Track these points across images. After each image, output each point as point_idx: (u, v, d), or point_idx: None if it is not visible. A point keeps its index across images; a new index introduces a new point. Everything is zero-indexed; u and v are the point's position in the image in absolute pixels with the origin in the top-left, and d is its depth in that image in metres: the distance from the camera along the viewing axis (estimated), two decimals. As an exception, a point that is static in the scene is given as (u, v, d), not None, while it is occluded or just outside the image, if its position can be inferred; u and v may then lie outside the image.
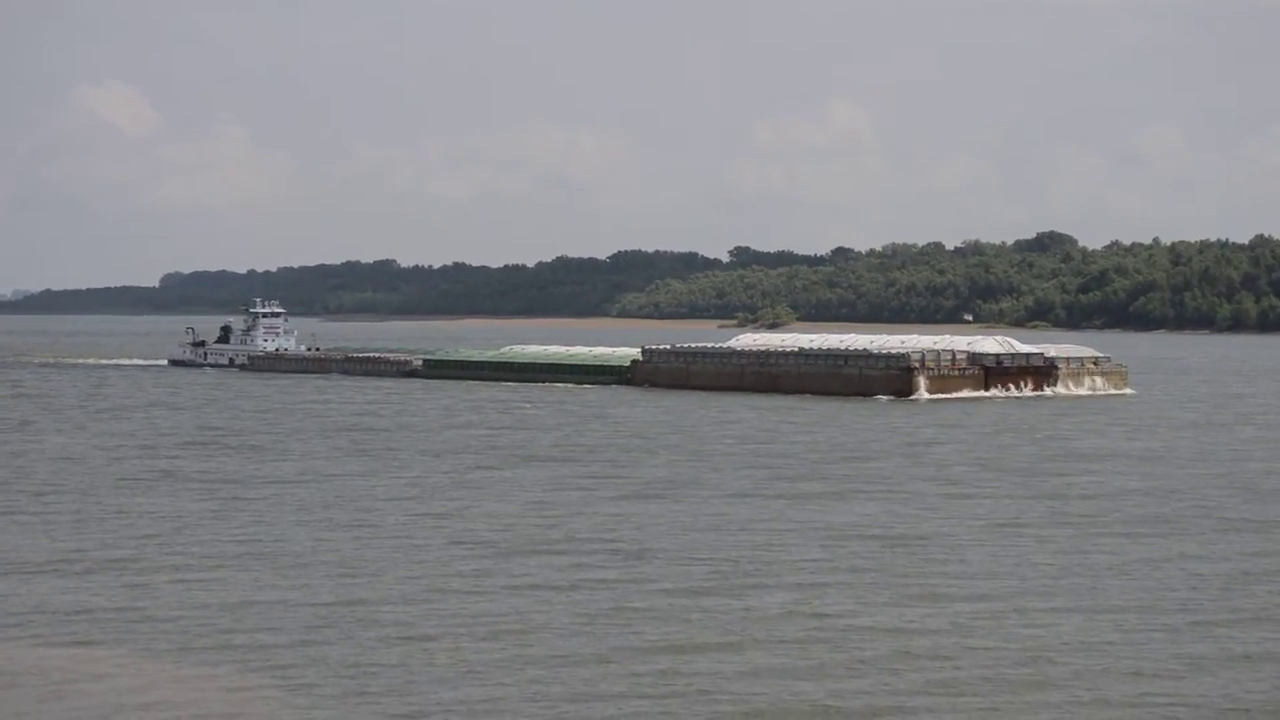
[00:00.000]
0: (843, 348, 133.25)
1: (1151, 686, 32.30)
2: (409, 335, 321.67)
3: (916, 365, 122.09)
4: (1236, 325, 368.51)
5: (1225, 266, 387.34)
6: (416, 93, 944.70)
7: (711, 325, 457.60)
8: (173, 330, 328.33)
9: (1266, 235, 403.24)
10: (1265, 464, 73.87)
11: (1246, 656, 34.69)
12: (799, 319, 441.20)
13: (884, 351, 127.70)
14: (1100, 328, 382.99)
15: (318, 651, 34.78)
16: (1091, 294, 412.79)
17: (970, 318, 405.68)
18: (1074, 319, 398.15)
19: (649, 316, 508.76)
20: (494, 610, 38.97)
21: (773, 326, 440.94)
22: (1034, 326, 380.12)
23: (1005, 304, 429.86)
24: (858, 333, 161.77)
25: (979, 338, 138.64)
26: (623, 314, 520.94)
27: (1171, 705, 31.02)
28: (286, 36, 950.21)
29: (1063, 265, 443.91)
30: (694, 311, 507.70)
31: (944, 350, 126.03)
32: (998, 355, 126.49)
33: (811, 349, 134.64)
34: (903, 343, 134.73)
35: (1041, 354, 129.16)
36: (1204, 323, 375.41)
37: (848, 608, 39.31)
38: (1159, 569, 44.96)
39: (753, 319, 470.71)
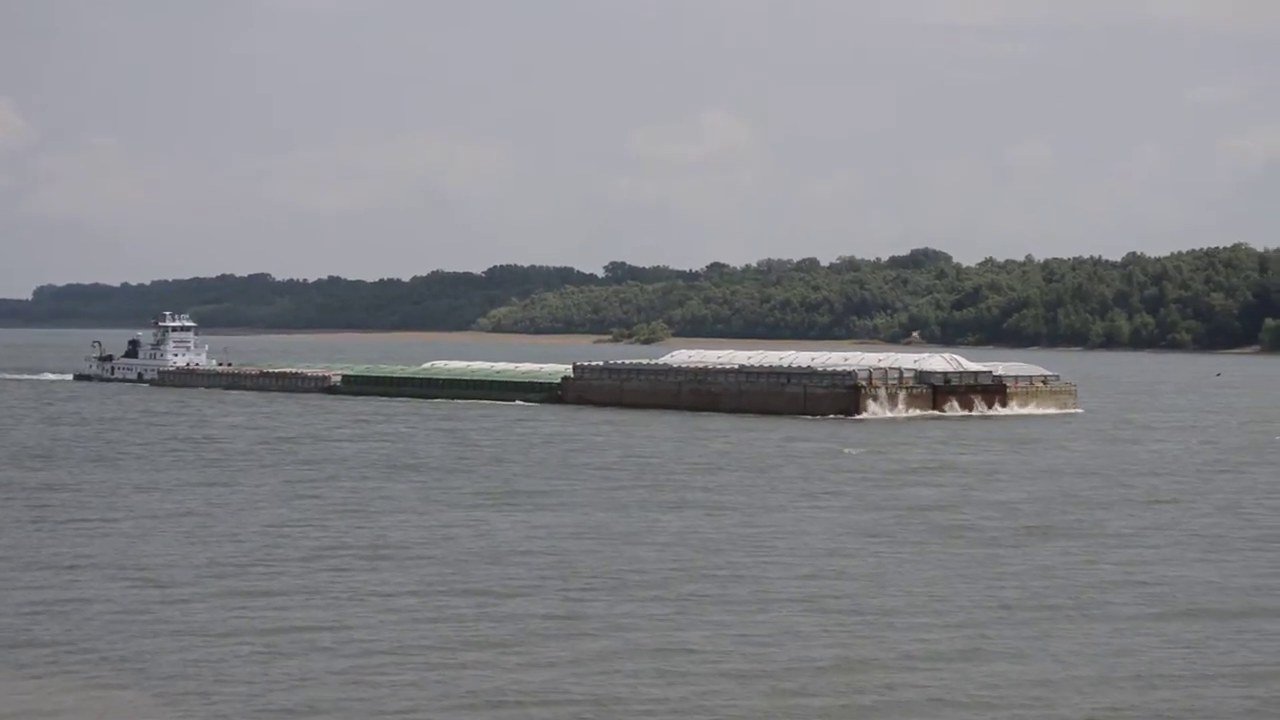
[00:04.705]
0: (784, 365, 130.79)
1: (919, 682, 33.58)
2: (288, 350, 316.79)
3: (864, 384, 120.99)
4: (1109, 342, 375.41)
5: (1098, 284, 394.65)
6: (292, 105, 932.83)
7: (587, 340, 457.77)
8: (53, 344, 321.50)
9: (1139, 253, 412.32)
10: (1155, 479, 76.10)
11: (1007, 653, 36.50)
12: (674, 335, 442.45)
13: (828, 369, 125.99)
14: (974, 344, 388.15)
15: (120, 651, 35.70)
16: (965, 310, 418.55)
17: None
18: (948, 336, 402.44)
19: (524, 331, 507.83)
20: (308, 612, 40.22)
21: (648, 342, 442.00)
22: (909, 343, 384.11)
23: (879, 320, 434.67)
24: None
25: (925, 355, 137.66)
26: (497, 329, 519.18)
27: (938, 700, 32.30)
28: (159, 47, 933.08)
29: (937, 282, 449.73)
30: (569, 326, 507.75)
31: (891, 368, 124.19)
32: (946, 374, 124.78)
33: (752, 366, 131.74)
34: (846, 360, 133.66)
35: (990, 372, 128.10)
36: (1077, 339, 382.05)
37: (639, 610, 40.78)
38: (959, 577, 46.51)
39: (628, 334, 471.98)
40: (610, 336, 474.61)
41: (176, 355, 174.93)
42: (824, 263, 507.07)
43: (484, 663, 35.01)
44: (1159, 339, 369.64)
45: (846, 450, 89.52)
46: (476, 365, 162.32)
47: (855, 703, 32.22)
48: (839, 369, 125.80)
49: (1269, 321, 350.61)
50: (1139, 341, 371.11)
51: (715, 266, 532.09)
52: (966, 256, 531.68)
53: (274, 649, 36.11)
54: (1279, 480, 76.79)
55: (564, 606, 41.24)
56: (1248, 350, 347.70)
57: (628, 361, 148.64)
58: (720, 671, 34.39)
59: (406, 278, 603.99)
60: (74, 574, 45.76)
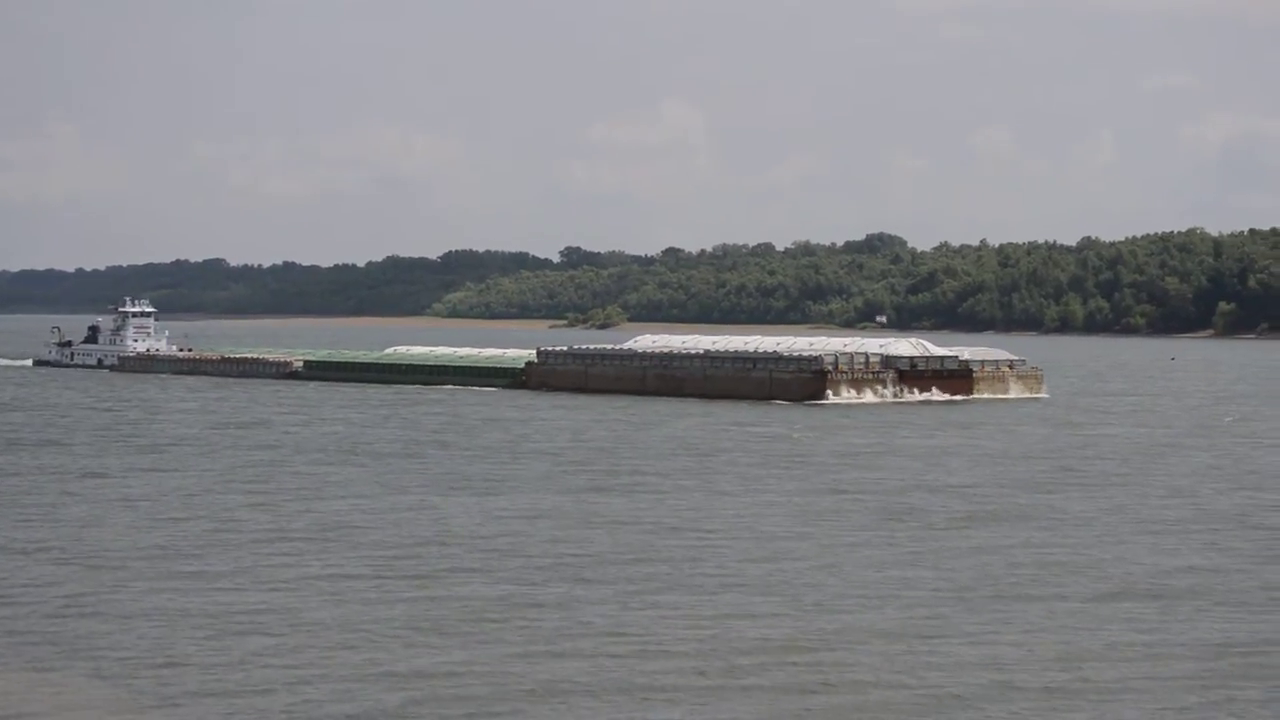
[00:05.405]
0: (750, 350, 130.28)
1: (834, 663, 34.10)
2: (246, 335, 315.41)
3: (829, 368, 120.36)
4: (1064, 326, 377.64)
5: (1052, 268, 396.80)
6: (248, 92, 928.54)
7: (542, 325, 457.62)
8: (7, 329, 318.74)
9: (1093, 238, 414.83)
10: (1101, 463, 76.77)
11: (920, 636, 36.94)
12: (630, 319, 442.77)
13: (794, 354, 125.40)
14: (929, 328, 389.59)
15: (70, 635, 35.94)
16: (921, 295, 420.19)
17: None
18: (903, 320, 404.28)
19: (479, 316, 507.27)
20: (258, 595, 40.61)
21: (603, 326, 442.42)
22: (863, 328, 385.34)
23: (835, 305, 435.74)
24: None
25: (891, 340, 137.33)
26: (453, 313, 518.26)
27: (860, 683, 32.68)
28: (118, 32, 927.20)
29: (892, 266, 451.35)
30: (524, 311, 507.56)
31: (856, 353, 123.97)
32: (912, 358, 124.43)
33: (717, 351, 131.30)
34: (811, 344, 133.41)
35: (956, 357, 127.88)
36: (1031, 324, 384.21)
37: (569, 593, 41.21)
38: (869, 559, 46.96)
39: (583, 319, 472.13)
40: (565, 321, 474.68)
41: (137, 341, 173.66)
42: (779, 248, 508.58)
43: (431, 645, 35.23)
44: (1113, 323, 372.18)
45: (795, 435, 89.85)
46: (440, 350, 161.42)
47: (799, 683, 32.42)
48: (805, 354, 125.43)
49: (1223, 306, 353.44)
50: (1093, 325, 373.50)
51: (671, 251, 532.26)
52: (922, 241, 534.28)
53: (224, 631, 36.22)
54: (1226, 462, 77.63)
55: (511, 590, 41.38)
56: (1201, 334, 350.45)
57: (592, 346, 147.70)
58: (664, 653, 34.59)
59: (362, 263, 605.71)
60: (24, 559, 45.63)
